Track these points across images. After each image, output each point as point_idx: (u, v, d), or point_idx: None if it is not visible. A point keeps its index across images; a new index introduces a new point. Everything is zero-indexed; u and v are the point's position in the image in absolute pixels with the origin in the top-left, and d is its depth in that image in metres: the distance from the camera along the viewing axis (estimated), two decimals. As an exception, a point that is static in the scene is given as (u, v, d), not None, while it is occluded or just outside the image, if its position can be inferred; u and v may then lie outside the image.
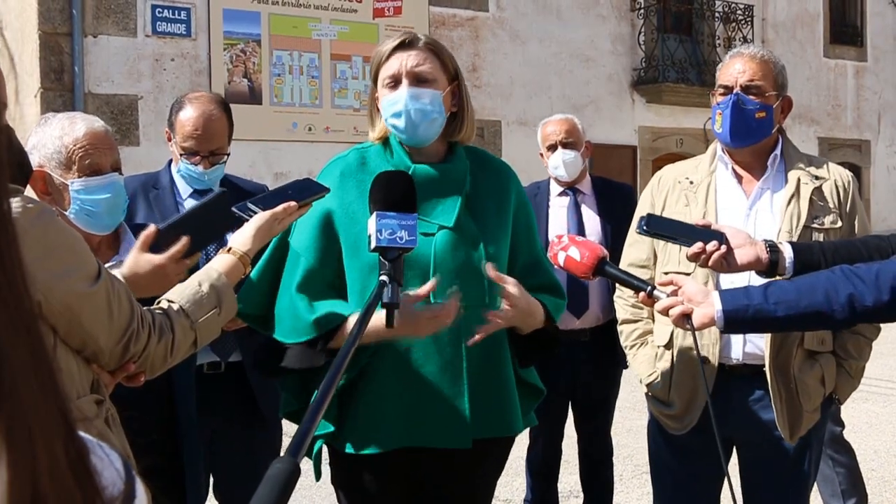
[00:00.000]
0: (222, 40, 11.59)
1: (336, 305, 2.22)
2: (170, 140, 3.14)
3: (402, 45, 2.29)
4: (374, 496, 2.32)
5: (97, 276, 1.72)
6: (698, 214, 2.72)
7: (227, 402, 3.11)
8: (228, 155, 3.16)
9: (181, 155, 3.06)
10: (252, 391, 3.15)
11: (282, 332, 2.24)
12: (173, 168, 3.18)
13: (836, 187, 2.74)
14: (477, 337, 2.17)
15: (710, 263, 2.41)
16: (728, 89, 2.73)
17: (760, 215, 2.73)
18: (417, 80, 2.28)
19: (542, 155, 4.24)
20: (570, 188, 4.16)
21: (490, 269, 2.18)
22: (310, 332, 2.18)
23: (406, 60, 2.28)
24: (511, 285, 2.20)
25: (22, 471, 0.48)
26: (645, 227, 2.47)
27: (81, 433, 0.60)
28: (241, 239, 2.11)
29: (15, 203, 1.60)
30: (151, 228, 2.18)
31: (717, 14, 15.65)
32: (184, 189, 3.17)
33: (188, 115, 3.03)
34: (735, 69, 2.74)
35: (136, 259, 2.14)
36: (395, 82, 2.29)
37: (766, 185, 2.76)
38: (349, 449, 2.25)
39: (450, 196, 2.32)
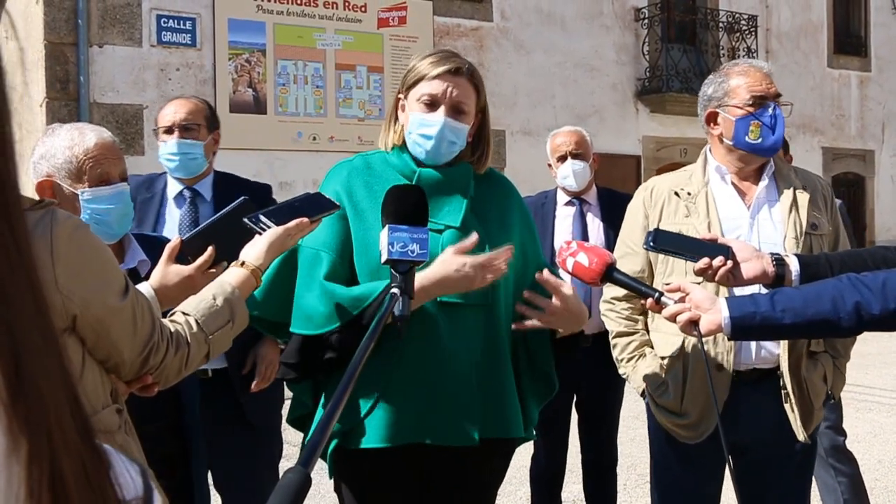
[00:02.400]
0: (227, 50, 11.63)
1: (370, 287, 2.25)
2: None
3: (451, 72, 2.33)
4: (381, 495, 2.33)
5: (126, 289, 1.76)
6: (702, 225, 2.75)
7: (214, 408, 3.13)
8: (216, 143, 3.40)
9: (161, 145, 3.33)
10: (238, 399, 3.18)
11: (315, 324, 2.24)
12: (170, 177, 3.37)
13: (823, 195, 2.84)
14: (528, 323, 2.25)
15: (716, 278, 2.43)
16: (761, 100, 2.77)
17: (762, 224, 2.77)
18: (455, 111, 2.33)
19: (550, 165, 4.29)
20: (577, 198, 4.23)
21: (546, 275, 2.26)
22: (351, 309, 2.20)
23: (452, 89, 2.32)
24: (567, 287, 2.28)
25: (39, 452, 0.50)
26: (652, 243, 2.49)
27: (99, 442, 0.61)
28: (254, 253, 2.12)
29: (51, 218, 1.62)
30: (176, 240, 2.21)
31: (721, 24, 15.68)
32: (171, 190, 3.29)
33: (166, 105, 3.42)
34: (764, 81, 2.79)
35: (164, 271, 2.17)
36: (433, 104, 2.33)
37: (763, 195, 2.82)
38: (358, 444, 2.26)
39: (455, 198, 2.37)
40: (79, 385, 0.57)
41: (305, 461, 1.12)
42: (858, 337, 2.64)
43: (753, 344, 2.71)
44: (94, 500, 0.53)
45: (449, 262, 2.18)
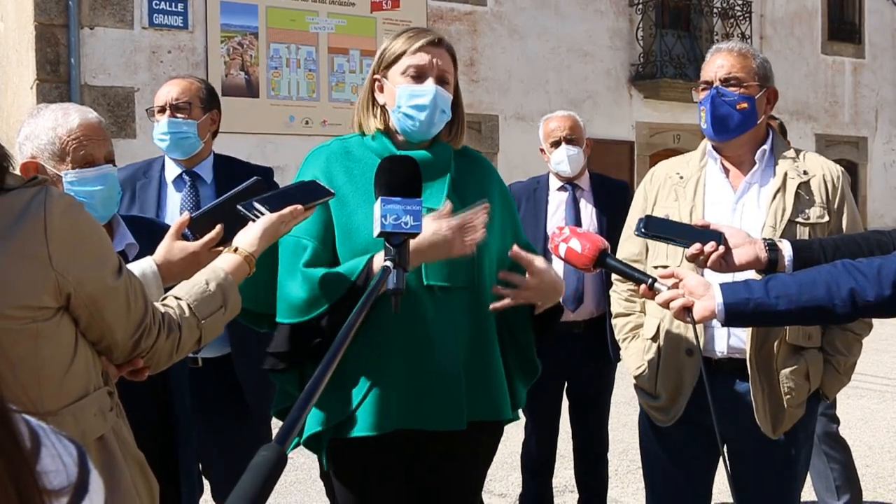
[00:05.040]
0: (219, 33, 11.56)
1: (352, 263, 2.21)
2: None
3: (433, 43, 2.33)
4: (369, 481, 2.32)
5: (119, 269, 1.74)
6: (686, 209, 2.75)
7: (204, 397, 3.12)
8: (213, 123, 3.37)
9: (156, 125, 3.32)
10: (234, 385, 3.16)
11: (300, 311, 2.21)
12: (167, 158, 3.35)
13: (825, 182, 2.74)
14: (504, 302, 2.22)
15: (708, 264, 2.41)
16: (709, 84, 2.76)
17: (747, 209, 2.74)
18: (442, 80, 2.32)
19: (542, 150, 4.26)
20: (569, 183, 4.20)
21: (515, 251, 2.23)
22: (337, 290, 2.16)
23: (438, 59, 2.32)
24: (539, 260, 2.26)
25: None
26: (643, 230, 2.47)
27: (37, 423, 0.59)
28: (247, 239, 2.10)
29: (45, 195, 1.61)
30: (185, 216, 2.20)
31: (715, 10, 15.64)
32: (170, 174, 3.26)
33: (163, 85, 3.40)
34: (715, 64, 2.77)
35: (169, 246, 2.16)
36: (420, 76, 2.31)
37: (754, 180, 2.77)
38: (347, 434, 2.24)
39: (437, 179, 2.34)
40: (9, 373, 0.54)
41: (282, 439, 1.08)
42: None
43: (724, 331, 2.68)
44: (7, 493, 0.51)
45: (426, 226, 2.13)
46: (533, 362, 2.53)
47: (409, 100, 2.30)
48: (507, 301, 2.23)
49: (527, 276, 2.26)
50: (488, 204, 2.21)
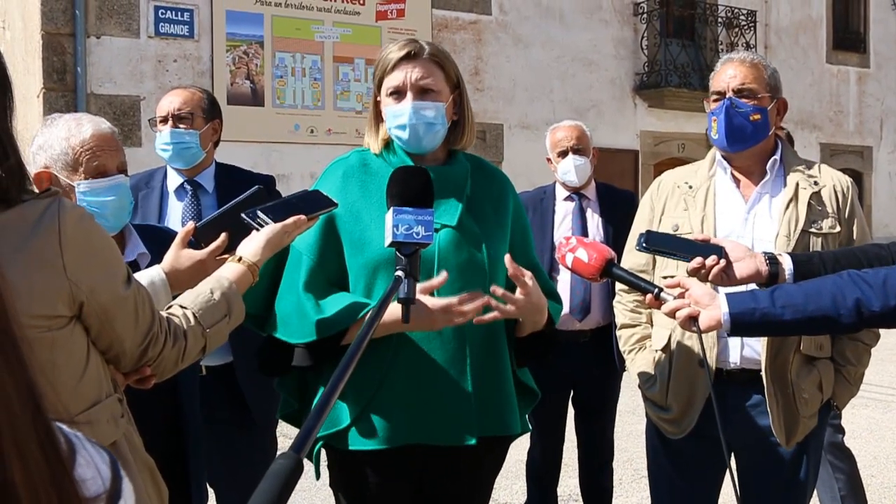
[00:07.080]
0: (225, 42, 11.60)
1: (341, 301, 2.23)
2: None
3: (408, 57, 2.29)
4: (376, 494, 2.32)
5: (129, 279, 1.77)
6: (697, 219, 2.74)
7: (208, 405, 3.13)
8: (215, 133, 3.40)
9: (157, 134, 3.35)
10: (237, 393, 3.17)
11: (288, 333, 2.25)
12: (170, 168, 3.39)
13: (835, 192, 2.74)
14: (488, 316, 2.20)
15: (710, 277, 2.41)
16: (721, 95, 2.75)
17: (759, 219, 2.73)
18: (421, 92, 2.29)
19: (549, 160, 4.26)
20: (576, 193, 4.21)
21: (508, 261, 2.21)
22: (319, 332, 2.19)
23: (411, 73, 2.29)
24: (529, 277, 2.24)
25: None
26: (644, 244, 2.48)
27: (71, 431, 0.60)
28: (251, 249, 2.12)
29: (58, 206, 1.63)
30: (190, 225, 2.24)
31: (719, 19, 15.67)
32: (172, 183, 3.28)
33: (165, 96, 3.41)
34: (727, 75, 2.75)
35: (176, 255, 2.20)
36: (398, 94, 2.30)
37: (765, 190, 2.76)
38: (354, 446, 2.25)
39: (451, 196, 2.34)
40: (41, 387, 0.55)
41: (298, 447, 1.09)
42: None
43: (737, 342, 2.68)
44: (50, 500, 0.51)
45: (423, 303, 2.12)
46: (529, 389, 2.51)
47: (392, 120, 2.31)
48: (494, 314, 2.21)
49: (517, 291, 2.24)
50: (487, 298, 2.17)
